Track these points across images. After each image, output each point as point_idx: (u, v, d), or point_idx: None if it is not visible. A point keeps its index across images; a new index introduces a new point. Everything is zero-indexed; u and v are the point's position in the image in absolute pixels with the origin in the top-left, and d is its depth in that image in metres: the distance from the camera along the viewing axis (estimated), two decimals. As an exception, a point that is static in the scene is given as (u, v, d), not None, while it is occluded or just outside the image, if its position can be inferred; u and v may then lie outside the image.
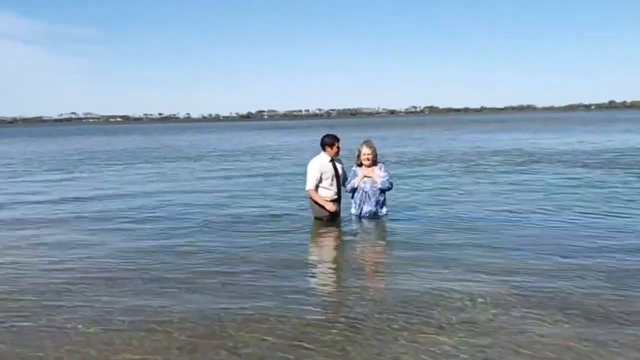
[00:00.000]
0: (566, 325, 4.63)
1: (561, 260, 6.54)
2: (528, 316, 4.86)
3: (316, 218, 9.10)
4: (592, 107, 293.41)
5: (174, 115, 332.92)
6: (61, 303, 5.52)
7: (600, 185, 12.63)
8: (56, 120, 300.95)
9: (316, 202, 9.00)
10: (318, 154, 9.19)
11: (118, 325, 4.89)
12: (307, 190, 9.08)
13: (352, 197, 9.20)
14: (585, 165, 17.06)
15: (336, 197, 9.11)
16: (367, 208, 9.06)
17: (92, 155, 30.12)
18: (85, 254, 7.52)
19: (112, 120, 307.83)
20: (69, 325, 4.91)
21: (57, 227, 9.53)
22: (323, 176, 8.96)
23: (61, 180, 17.50)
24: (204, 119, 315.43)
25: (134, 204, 11.76)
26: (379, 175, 8.99)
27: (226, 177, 16.97)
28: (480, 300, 5.28)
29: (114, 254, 7.42)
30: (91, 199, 12.83)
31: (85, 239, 8.53)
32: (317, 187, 8.97)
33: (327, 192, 9.03)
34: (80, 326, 4.88)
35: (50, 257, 7.39)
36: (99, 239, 8.43)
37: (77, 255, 7.43)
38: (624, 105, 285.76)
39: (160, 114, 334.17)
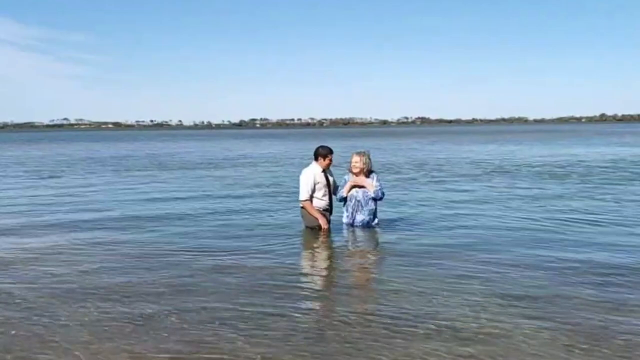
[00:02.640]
0: (552, 334, 4.67)
1: (552, 268, 6.62)
2: (519, 324, 4.90)
3: (308, 227, 9.14)
4: (583, 120, 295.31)
5: (166, 122, 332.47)
6: None
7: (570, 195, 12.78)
8: (47, 126, 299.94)
9: (310, 214, 9.04)
10: (309, 164, 9.26)
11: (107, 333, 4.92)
12: (301, 201, 9.09)
13: (344, 205, 9.27)
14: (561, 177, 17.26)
15: (329, 207, 9.18)
16: (360, 217, 9.11)
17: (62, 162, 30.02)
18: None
19: (103, 126, 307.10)
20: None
21: None
22: (316, 186, 8.99)
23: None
24: (195, 127, 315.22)
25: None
26: (371, 184, 9.06)
27: (211, 184, 17.01)
28: (470, 309, 5.32)
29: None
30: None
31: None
32: (310, 197, 9.02)
33: (320, 203, 9.07)
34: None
35: None
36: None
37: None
38: (615, 119, 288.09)
39: (152, 120, 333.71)
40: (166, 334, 4.84)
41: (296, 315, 5.29)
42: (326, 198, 9.12)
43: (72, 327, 5.05)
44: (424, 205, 12.12)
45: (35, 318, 5.28)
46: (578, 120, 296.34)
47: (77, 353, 4.48)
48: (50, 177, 20.77)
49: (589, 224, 9.57)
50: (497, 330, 4.81)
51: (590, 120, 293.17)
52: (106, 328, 5.00)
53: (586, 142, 47.64)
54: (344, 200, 9.19)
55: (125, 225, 10.04)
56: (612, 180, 16.60)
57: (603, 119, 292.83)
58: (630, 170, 19.85)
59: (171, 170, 23.59)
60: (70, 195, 14.81)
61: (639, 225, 9.41)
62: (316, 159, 9.14)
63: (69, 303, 5.70)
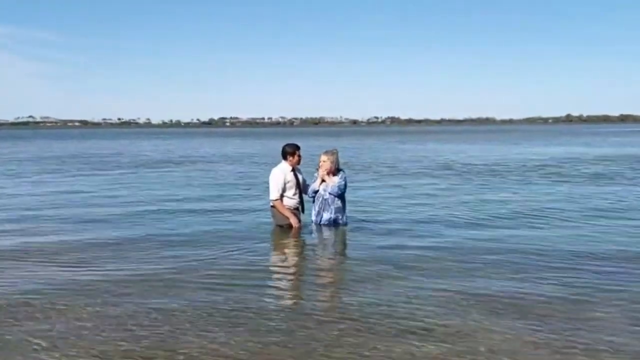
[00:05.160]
0: (521, 331, 4.78)
1: (518, 264, 6.83)
2: (484, 322, 5.00)
3: (278, 225, 9.14)
4: (550, 121, 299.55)
5: (134, 120, 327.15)
6: None
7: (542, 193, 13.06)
8: (12, 124, 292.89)
9: (281, 213, 9.02)
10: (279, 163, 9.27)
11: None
12: (272, 201, 9.06)
13: (313, 202, 9.31)
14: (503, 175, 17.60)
15: (299, 205, 9.22)
16: (326, 215, 9.17)
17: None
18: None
19: (70, 124, 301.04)
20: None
21: None
22: (287, 185, 8.99)
23: None
24: (164, 125, 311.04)
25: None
26: (334, 181, 9.08)
27: (176, 185, 16.94)
28: (438, 306, 5.42)
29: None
30: None
31: None
32: (281, 196, 9.02)
33: (290, 202, 9.08)
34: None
35: None
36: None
37: None
38: (580, 119, 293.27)
39: (119, 119, 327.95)
40: (137, 332, 4.86)
41: (265, 313, 5.31)
42: (297, 197, 9.14)
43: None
44: (390, 203, 12.28)
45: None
46: (545, 120, 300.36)
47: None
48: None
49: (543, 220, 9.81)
50: (465, 328, 4.89)
51: (557, 120, 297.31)
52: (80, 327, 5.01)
53: (532, 143, 48.50)
54: (314, 194, 9.20)
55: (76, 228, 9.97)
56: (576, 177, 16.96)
57: (569, 119, 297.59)
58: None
59: (136, 167, 23.37)
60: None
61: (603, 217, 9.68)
62: (285, 157, 9.13)
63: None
